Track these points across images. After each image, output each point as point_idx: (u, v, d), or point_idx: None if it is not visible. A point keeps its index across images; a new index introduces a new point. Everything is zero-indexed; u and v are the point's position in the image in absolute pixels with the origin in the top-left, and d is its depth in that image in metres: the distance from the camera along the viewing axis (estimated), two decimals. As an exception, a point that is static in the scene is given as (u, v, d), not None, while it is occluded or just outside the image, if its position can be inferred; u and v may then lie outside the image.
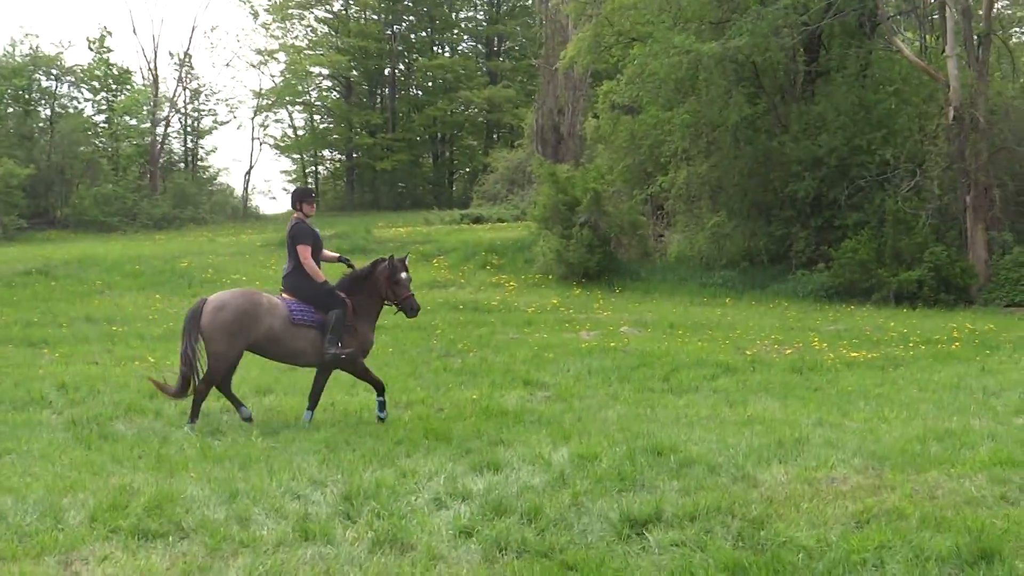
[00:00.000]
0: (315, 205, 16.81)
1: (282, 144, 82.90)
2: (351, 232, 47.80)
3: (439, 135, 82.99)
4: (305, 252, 15.85)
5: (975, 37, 37.18)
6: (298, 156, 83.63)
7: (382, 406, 15.99)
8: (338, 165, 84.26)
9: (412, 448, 13.53)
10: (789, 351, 23.80)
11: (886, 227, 36.76)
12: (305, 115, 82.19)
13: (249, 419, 15.78)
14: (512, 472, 12.11)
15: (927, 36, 45.40)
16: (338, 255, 16.97)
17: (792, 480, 11.71)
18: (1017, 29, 49.94)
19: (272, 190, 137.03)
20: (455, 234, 50.77)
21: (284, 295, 16.05)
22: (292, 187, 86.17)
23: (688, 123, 41.54)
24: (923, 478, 11.76)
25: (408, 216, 64.35)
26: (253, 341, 15.55)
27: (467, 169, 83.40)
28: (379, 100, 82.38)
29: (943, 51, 38.33)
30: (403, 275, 15.95)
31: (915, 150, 38.49)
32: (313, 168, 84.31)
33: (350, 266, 16.57)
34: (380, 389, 16.05)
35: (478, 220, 58.12)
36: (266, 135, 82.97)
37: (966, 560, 8.99)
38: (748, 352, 23.58)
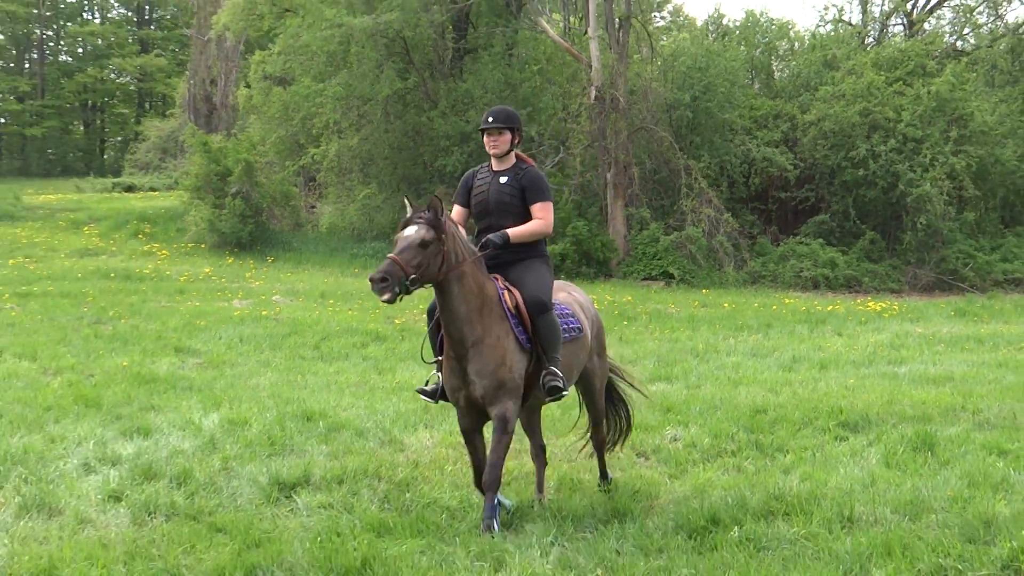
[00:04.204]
0: (503, 137, 10.26)
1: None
2: (-1, 199, 46.48)
3: (90, 102, 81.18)
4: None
5: (616, 20, 38.04)
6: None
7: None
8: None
9: (61, 414, 13.28)
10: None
11: (531, 201, 37.27)
12: (-51, 79, 79.52)
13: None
14: (162, 437, 12.03)
15: (571, 17, 46.32)
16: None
17: (437, 444, 11.94)
18: (656, 14, 51.37)
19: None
20: (107, 202, 49.75)
21: None
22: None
23: (340, 96, 41.39)
24: (561, 442, 12.14)
25: (59, 183, 62.58)
26: None
27: (119, 137, 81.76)
28: (27, 66, 79.99)
29: (586, 32, 39.13)
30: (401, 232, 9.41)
31: (559, 128, 39.24)
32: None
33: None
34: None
35: (130, 189, 57.03)
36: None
37: (600, 519, 9.31)
38: (397, 321, 23.72)
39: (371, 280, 8.94)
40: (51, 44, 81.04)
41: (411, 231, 9.24)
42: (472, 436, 9.78)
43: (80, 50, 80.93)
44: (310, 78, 42.45)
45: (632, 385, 11.59)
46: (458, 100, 40.60)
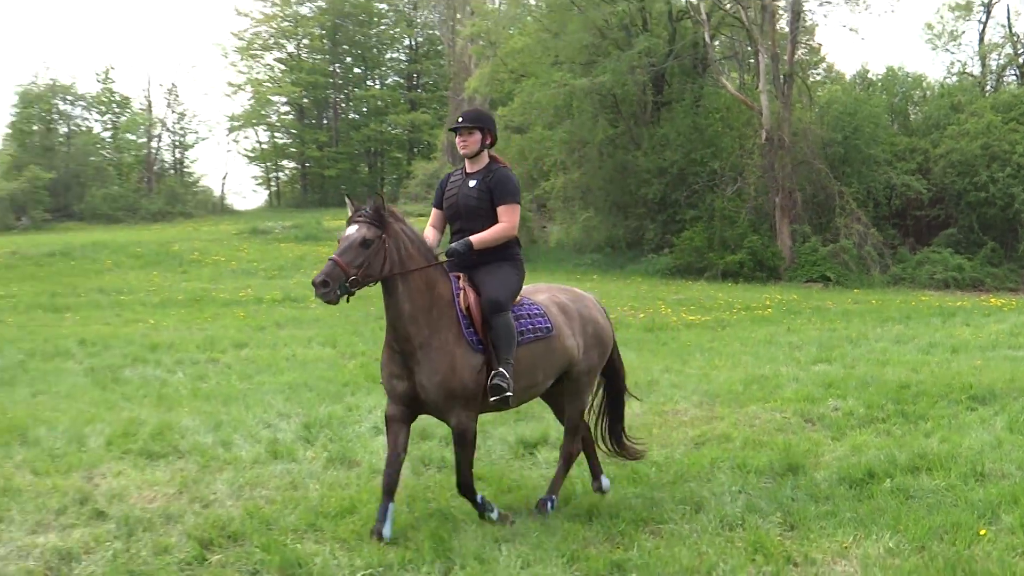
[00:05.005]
0: (473, 137, 8.14)
1: (251, 155, 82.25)
2: (305, 224, 47.45)
3: (372, 149, 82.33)
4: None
5: (781, 77, 37.57)
6: (263, 165, 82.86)
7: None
8: (294, 172, 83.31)
9: (356, 389, 13.50)
10: (642, 315, 23.88)
11: (715, 221, 37.13)
12: (268, 133, 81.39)
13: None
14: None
15: (745, 75, 45.84)
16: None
17: (646, 412, 11.84)
18: (813, 70, 50.52)
19: (243, 191, 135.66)
20: (386, 225, 50.50)
21: None
22: (261, 188, 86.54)
23: (564, 140, 41.61)
24: (745, 411, 11.94)
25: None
26: None
27: (395, 175, 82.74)
28: (325, 121, 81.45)
29: (757, 87, 38.73)
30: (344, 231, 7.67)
31: (736, 163, 38.89)
32: (276, 174, 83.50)
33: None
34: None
35: (404, 214, 57.75)
36: (238, 148, 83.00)
37: (777, 472, 9.15)
38: (611, 315, 23.57)
39: (313, 284, 7.23)
40: (343, 105, 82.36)
41: (352, 230, 7.46)
42: (394, 426, 7.86)
43: (364, 109, 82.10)
44: (541, 127, 42.73)
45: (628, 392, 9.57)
46: (656, 142, 40.48)
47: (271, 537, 7.22)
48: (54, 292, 28.54)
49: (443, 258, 7.97)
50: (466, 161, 8.21)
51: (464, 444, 7.66)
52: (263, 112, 79.53)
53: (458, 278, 7.96)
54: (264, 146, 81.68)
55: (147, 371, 15.40)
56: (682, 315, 23.89)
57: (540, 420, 11.35)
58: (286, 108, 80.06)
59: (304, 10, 79.30)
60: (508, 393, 7.56)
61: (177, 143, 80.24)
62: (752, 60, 42.82)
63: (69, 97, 73.34)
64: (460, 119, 8.13)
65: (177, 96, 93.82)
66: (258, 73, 79.66)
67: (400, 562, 6.88)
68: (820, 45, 57.68)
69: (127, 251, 38.56)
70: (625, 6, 41.00)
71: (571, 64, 41.27)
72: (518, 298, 8.20)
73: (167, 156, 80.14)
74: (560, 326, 8.26)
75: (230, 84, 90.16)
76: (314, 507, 8.16)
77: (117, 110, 76.54)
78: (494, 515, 7.76)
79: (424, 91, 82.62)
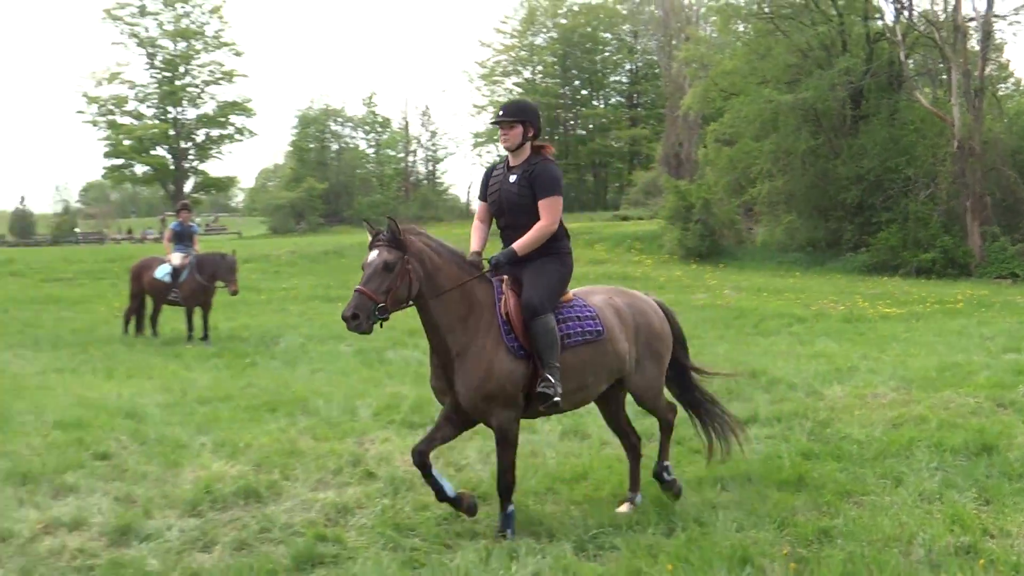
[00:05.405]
0: (514, 131, 7.09)
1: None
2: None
3: (597, 161, 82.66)
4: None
5: (972, 91, 36.13)
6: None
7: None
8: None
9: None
10: (841, 308, 23.31)
11: (909, 223, 36.02)
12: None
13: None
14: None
15: (938, 90, 44.11)
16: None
17: (847, 395, 11.55)
18: (1002, 84, 48.36)
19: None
20: (610, 227, 50.61)
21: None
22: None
23: (770, 151, 41.02)
24: (940, 395, 11.49)
25: (577, 216, 63.83)
26: None
27: (617, 184, 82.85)
28: (556, 137, 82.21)
29: (950, 100, 37.27)
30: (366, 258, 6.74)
31: (929, 170, 37.61)
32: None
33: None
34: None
35: (625, 218, 57.75)
36: (482, 161, 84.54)
37: (972, 451, 8.79)
38: (813, 308, 23.15)
39: (344, 319, 6.36)
40: (571, 122, 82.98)
41: (373, 255, 6.57)
42: (441, 420, 7.12)
43: (590, 126, 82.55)
44: (749, 139, 42.20)
45: (718, 374, 8.77)
46: (854, 152, 39.43)
47: (515, 498, 7.28)
48: (328, 285, 29.62)
49: (487, 266, 6.94)
50: (509, 155, 7.15)
51: (505, 444, 6.81)
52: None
53: (501, 282, 6.94)
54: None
55: (406, 353, 15.78)
56: (878, 308, 23.20)
57: (748, 400, 11.13)
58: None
59: (539, 41, 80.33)
60: (555, 400, 6.68)
61: (430, 157, 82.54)
62: (944, 76, 41.19)
63: (339, 119, 76.35)
64: (501, 112, 7.10)
65: (430, 117, 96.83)
66: (499, 96, 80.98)
67: (628, 523, 6.87)
68: (1009, 61, 55.34)
69: (388, 250, 39.57)
70: (826, 29, 40.32)
71: (776, 82, 40.74)
72: (570, 297, 7.19)
73: (421, 168, 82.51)
74: (612, 329, 7.19)
75: (475, 106, 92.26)
76: (551, 473, 8.23)
77: (379, 129, 79.23)
78: (509, 533, 6.74)
79: (643, 109, 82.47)
